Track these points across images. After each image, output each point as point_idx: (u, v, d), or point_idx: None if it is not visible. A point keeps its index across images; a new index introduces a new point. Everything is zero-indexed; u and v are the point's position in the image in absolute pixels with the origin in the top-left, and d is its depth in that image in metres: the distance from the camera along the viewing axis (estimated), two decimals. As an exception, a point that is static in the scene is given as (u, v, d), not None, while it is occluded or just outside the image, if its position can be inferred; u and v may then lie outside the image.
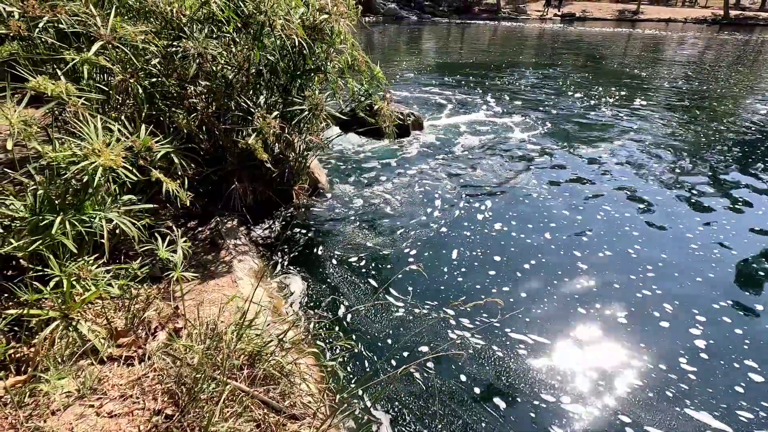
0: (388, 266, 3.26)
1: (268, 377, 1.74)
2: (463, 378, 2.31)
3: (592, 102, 8.38)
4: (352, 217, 3.90)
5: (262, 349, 1.81)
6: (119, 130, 2.06)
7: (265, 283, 2.87)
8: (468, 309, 2.81)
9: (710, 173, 5.09)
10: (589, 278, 3.16)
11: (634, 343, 2.59)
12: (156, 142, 2.29)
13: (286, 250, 3.35)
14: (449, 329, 2.64)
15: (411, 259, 3.35)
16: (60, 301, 1.67)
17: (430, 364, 2.34)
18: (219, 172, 3.12)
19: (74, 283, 1.72)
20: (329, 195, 4.22)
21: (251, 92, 2.76)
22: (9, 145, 1.78)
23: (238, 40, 2.69)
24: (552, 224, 3.89)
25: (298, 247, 3.41)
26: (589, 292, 3.01)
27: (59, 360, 1.61)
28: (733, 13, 32.27)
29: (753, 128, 6.88)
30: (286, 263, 3.20)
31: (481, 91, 9.10)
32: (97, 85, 2.38)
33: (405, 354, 2.43)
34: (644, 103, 8.35)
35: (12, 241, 1.69)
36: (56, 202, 1.83)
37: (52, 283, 1.66)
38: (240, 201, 3.43)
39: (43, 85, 1.91)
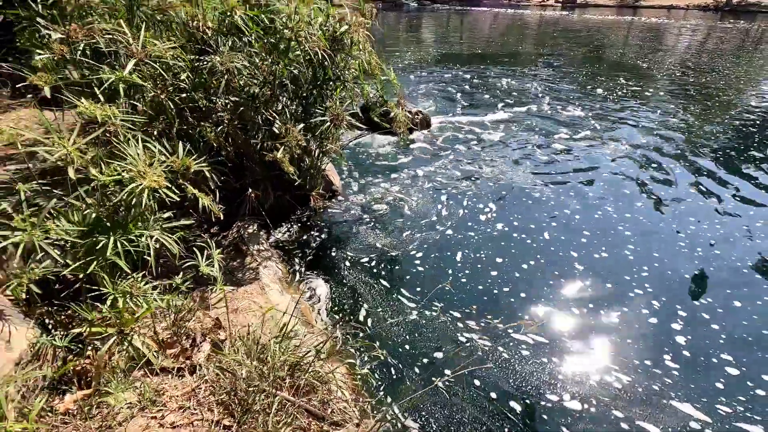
0: (397, 267, 3.42)
1: (309, 386, 1.89)
2: (477, 382, 2.47)
3: (595, 97, 8.45)
4: (365, 218, 4.03)
5: (301, 360, 1.96)
6: (159, 151, 2.16)
7: (290, 289, 3.01)
8: (473, 312, 2.97)
9: (712, 175, 5.22)
10: (584, 280, 3.31)
11: (623, 342, 2.76)
12: (189, 157, 2.40)
13: (306, 253, 3.49)
14: (458, 332, 2.79)
15: (418, 262, 3.49)
16: (116, 317, 1.80)
17: (449, 371, 2.50)
18: (244, 181, 3.23)
19: (127, 300, 1.85)
20: (342, 197, 4.34)
21: (275, 105, 2.86)
22: (71, 174, 1.88)
23: (263, 55, 2.77)
24: (553, 224, 4.04)
25: (316, 251, 3.54)
26: (584, 294, 3.17)
27: (118, 373, 1.75)
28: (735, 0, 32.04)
29: (754, 124, 6.99)
30: (306, 267, 3.34)
31: (483, 87, 9.15)
32: (131, 102, 2.47)
33: (424, 360, 2.59)
34: (647, 97, 8.43)
35: (69, 262, 1.81)
36: (107, 222, 1.95)
37: (108, 302, 1.79)
38: (259, 206, 3.54)
39: (91, 109, 2.01)
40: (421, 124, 6.22)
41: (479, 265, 3.47)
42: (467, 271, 3.40)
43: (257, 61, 2.82)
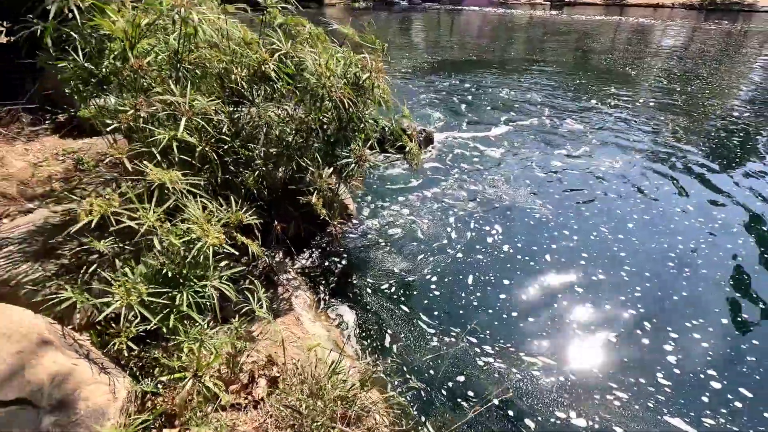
0: (415, 292, 3.71)
1: (356, 416, 2.19)
2: (500, 405, 2.79)
3: (590, 109, 8.81)
4: (381, 243, 4.31)
5: (348, 393, 2.25)
6: (217, 208, 2.42)
7: (319, 317, 3.29)
8: (487, 337, 3.29)
9: (702, 192, 5.60)
10: (584, 302, 3.64)
11: (620, 360, 3.10)
12: (236, 206, 2.66)
13: (329, 280, 3.76)
14: (476, 357, 3.10)
15: (434, 286, 3.79)
16: (191, 362, 2.07)
17: (471, 392, 2.82)
18: (276, 217, 3.50)
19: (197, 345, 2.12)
20: (356, 221, 4.61)
21: (308, 151, 3.12)
22: (157, 245, 2.14)
23: (293, 105, 3.03)
24: (553, 246, 4.37)
25: (338, 277, 3.82)
26: (584, 316, 3.50)
27: (196, 411, 2.03)
28: (718, -1, 32.75)
29: (738, 135, 7.40)
30: (330, 294, 3.62)
31: (481, 98, 9.45)
32: (182, 157, 2.72)
33: (449, 384, 2.89)
34: (639, 109, 8.80)
35: (150, 317, 2.07)
36: (177, 277, 2.21)
37: (186, 349, 2.06)
38: (284, 234, 3.81)
39: (159, 175, 2.26)
40: (425, 142, 6.50)
41: (489, 288, 3.79)
42: (478, 294, 3.71)
43: (289, 110, 3.08)
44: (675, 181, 5.81)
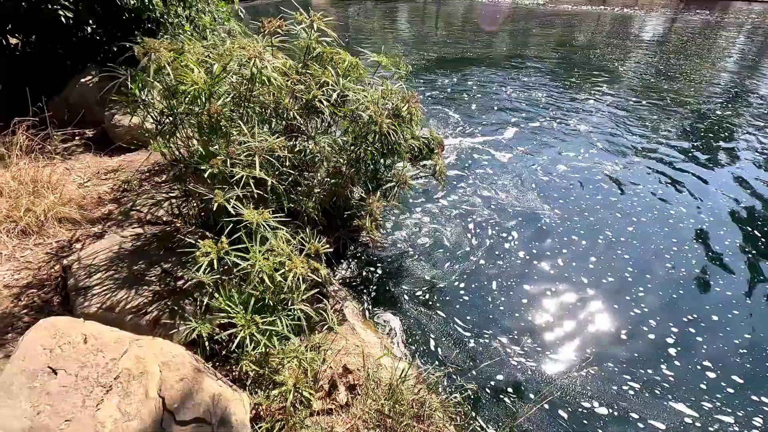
0: (447, 298, 4.13)
1: (428, 416, 2.60)
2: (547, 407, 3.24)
3: (587, 111, 9.27)
4: (410, 252, 4.71)
5: (417, 395, 2.66)
6: (299, 240, 2.77)
7: (369, 326, 3.68)
8: (516, 336, 3.74)
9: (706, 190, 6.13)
10: (596, 300, 4.12)
11: (630, 353, 3.59)
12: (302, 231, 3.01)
13: (369, 289, 4.15)
14: (509, 357, 3.55)
15: (462, 292, 4.22)
16: (292, 376, 2.45)
17: (510, 389, 3.26)
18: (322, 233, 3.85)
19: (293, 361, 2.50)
20: (384, 230, 4.99)
21: (358, 178, 3.47)
22: (257, 276, 2.48)
23: (345, 138, 3.38)
24: (564, 250, 4.83)
25: (376, 286, 4.21)
26: (594, 314, 3.98)
27: (297, 417, 2.41)
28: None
29: (713, 126, 7.96)
30: (372, 303, 4.01)
31: (482, 99, 9.82)
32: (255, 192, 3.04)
33: (491, 383, 3.33)
34: (631, 108, 9.30)
35: (268, 343, 2.42)
36: (270, 303, 2.57)
37: (286, 365, 2.43)
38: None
39: (251, 216, 2.60)
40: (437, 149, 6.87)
41: (511, 293, 4.23)
42: (503, 299, 4.15)
43: (340, 142, 3.42)
44: (673, 180, 6.33)
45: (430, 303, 4.05)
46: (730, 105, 9.74)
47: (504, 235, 5.07)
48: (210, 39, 6.44)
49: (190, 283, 2.96)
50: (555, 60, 13.74)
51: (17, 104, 5.04)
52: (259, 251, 2.49)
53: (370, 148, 3.52)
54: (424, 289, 4.21)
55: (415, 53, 13.93)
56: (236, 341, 2.27)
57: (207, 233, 3.56)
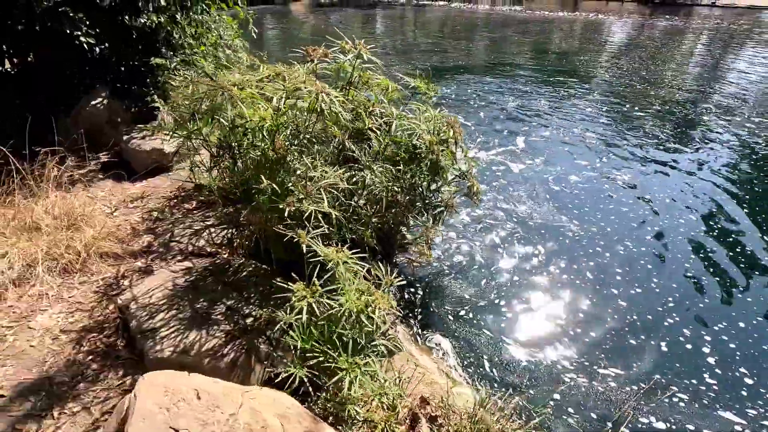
0: (490, 316, 4.19)
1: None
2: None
3: (590, 121, 9.55)
4: (445, 270, 4.76)
5: (501, 425, 2.71)
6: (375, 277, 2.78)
7: (423, 350, 3.71)
8: (567, 353, 3.84)
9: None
10: (625, 313, 4.27)
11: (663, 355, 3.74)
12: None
13: (415, 312, 4.17)
14: (561, 374, 3.64)
15: (504, 309, 4.30)
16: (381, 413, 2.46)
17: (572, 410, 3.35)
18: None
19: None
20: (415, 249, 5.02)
21: (413, 206, 3.51)
22: (355, 318, 2.47)
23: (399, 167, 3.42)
24: (590, 263, 4.98)
25: (420, 308, 4.24)
26: (624, 324, 4.14)
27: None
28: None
29: (704, 126, 8.36)
30: (420, 326, 4.04)
31: (484, 109, 9.99)
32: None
33: (559, 404, 3.40)
34: (630, 119, 9.65)
35: (367, 384, 2.42)
36: (359, 341, 2.57)
37: (374, 403, 2.44)
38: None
39: (332, 255, 2.59)
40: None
41: (549, 307, 4.34)
42: (545, 314, 4.25)
43: (393, 170, 3.45)
44: (674, 183, 6.60)
45: (475, 322, 4.11)
46: (723, 106, 10.22)
47: (530, 249, 5.18)
48: (221, 57, 6.35)
49: (260, 321, 2.93)
50: (541, 66, 14.09)
51: (22, 127, 4.85)
52: (348, 290, 2.48)
53: (421, 176, 3.56)
54: (467, 308, 4.27)
55: (404, 63, 14.04)
56: (340, 383, 2.27)
57: (262, 266, 3.53)
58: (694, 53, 16.85)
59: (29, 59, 5.59)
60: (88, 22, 5.09)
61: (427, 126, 3.43)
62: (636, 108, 10.25)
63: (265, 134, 2.89)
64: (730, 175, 7.17)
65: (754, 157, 7.87)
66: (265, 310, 2.96)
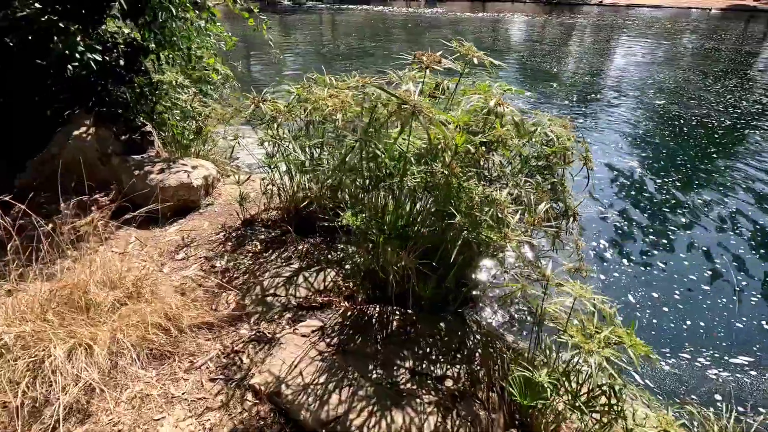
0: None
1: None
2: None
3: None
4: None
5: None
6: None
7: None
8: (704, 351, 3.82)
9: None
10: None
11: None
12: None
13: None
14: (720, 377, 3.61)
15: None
16: None
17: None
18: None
19: None
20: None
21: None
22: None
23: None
24: (656, 252, 5.10)
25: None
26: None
27: None
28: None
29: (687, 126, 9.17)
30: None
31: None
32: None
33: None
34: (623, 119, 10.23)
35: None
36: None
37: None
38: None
39: (577, 290, 2.22)
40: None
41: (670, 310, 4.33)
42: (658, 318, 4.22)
43: (536, 182, 3.14)
44: (673, 186, 7.08)
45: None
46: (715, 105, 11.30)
47: (593, 244, 5.18)
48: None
49: (462, 381, 2.44)
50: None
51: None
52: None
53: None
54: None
55: (327, 67, 13.63)
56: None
57: (407, 311, 2.99)
58: (583, 43, 19.29)
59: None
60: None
61: (558, 133, 3.16)
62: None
63: (445, 157, 2.41)
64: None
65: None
66: (462, 366, 2.48)
